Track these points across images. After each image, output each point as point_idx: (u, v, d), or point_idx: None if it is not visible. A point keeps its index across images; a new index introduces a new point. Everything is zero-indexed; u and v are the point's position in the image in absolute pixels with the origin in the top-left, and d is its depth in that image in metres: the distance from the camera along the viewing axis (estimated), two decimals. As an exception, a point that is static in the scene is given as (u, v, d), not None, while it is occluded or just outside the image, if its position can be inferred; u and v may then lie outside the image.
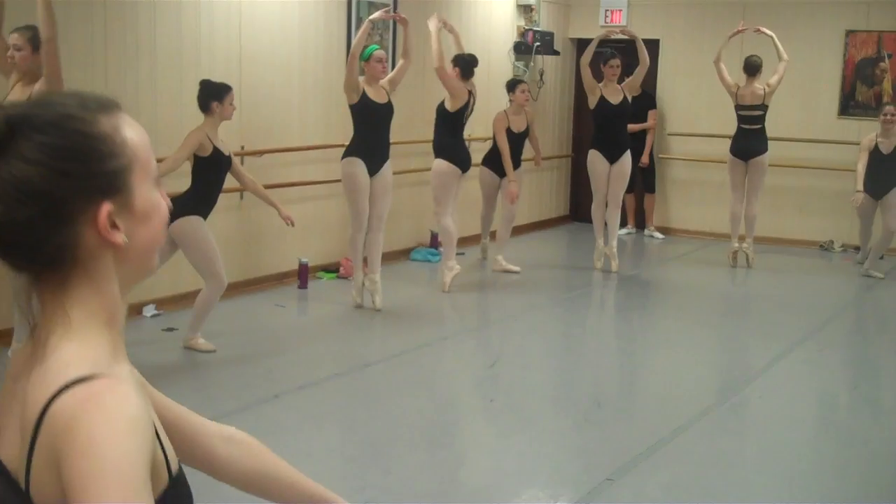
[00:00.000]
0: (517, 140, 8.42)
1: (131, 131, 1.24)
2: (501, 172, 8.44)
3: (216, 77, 6.19)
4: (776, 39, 8.82)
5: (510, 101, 8.50)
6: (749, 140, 9.00)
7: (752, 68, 8.97)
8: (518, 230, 9.85)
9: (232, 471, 1.56)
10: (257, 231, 7.66)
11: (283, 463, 1.63)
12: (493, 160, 8.54)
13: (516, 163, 8.38)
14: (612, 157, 8.71)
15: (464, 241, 9.03)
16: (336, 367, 5.93)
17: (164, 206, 1.28)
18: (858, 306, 8.44)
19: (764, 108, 8.94)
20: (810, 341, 6.89)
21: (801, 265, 9.68)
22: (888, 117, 8.69)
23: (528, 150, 8.71)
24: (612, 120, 8.68)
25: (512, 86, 8.50)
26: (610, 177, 8.74)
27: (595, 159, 8.78)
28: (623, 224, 10.48)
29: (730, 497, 4.23)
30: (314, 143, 7.98)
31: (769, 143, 9.04)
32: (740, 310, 8.28)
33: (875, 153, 8.74)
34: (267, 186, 7.57)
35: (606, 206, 8.84)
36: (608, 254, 8.86)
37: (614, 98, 8.63)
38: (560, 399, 5.70)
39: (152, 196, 1.26)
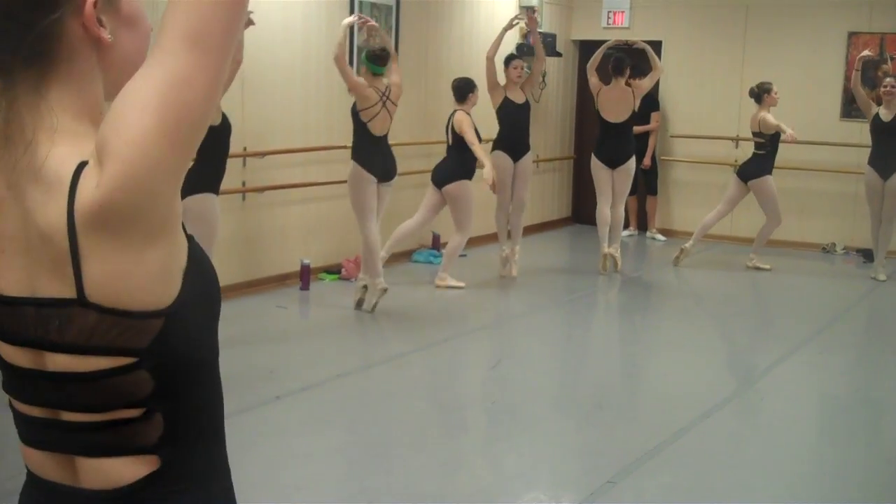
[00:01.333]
0: (519, 113, 8.39)
1: None
2: (515, 156, 8.42)
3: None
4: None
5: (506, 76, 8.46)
6: (750, 161, 9.12)
7: (751, 96, 9.01)
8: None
9: None
10: (259, 232, 7.67)
11: None
12: (504, 143, 8.44)
13: (524, 147, 8.44)
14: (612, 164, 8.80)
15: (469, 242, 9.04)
16: (338, 368, 5.93)
17: (148, 21, 1.26)
18: (861, 309, 8.43)
19: (759, 134, 8.91)
20: (812, 344, 6.88)
21: (803, 267, 9.68)
22: (888, 88, 8.71)
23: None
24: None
25: (507, 61, 8.46)
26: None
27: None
28: (625, 226, 10.48)
29: (731, 499, 4.23)
30: (317, 145, 7.98)
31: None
32: (742, 312, 8.27)
33: (875, 121, 8.77)
34: (269, 188, 7.60)
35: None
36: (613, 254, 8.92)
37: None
38: (562, 401, 5.70)
39: (138, 4, 1.25)
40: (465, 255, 8.85)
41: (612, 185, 8.78)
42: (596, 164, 8.78)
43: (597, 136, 8.89)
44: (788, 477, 4.51)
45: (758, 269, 9.31)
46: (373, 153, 6.92)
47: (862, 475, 4.63)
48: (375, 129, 6.90)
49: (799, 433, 5.23)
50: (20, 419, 1.29)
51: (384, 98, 6.90)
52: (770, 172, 8.98)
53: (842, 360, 6.68)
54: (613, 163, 8.73)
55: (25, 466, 1.32)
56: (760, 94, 8.87)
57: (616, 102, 8.64)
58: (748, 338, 7.31)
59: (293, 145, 7.82)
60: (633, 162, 8.82)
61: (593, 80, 8.66)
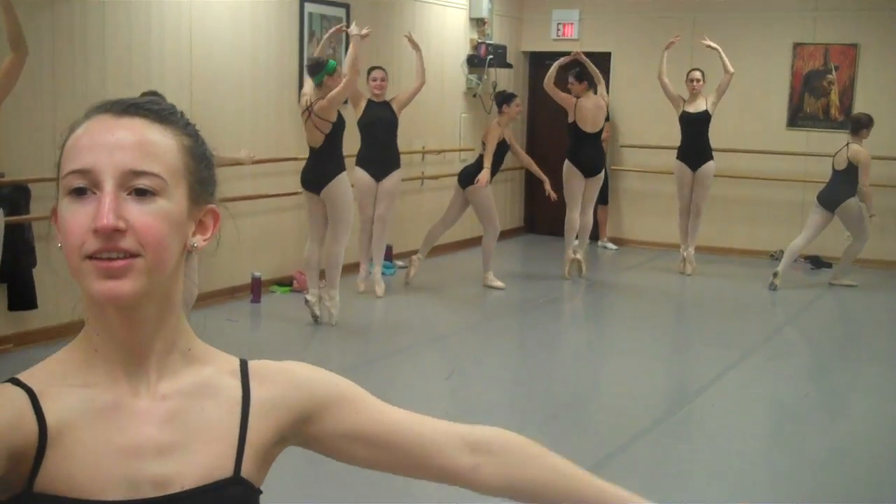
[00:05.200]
0: (502, 152, 8.53)
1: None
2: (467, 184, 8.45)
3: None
4: (722, 52, 9.02)
5: (501, 113, 8.48)
6: (697, 149, 9.26)
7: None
8: (473, 242, 9.87)
9: (485, 486, 1.38)
10: (209, 244, 7.58)
11: (561, 466, 1.41)
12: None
13: (495, 171, 8.56)
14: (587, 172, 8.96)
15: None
16: (290, 381, 5.87)
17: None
18: (808, 315, 8.54)
19: (708, 118, 9.18)
20: (761, 350, 6.97)
21: (752, 275, 9.79)
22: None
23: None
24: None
25: (509, 98, 8.52)
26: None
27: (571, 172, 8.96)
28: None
29: (683, 507, 4.26)
30: (266, 157, 7.92)
31: (715, 153, 9.32)
32: (692, 320, 8.35)
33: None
34: (220, 200, 7.51)
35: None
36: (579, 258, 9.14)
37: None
38: (515, 411, 5.70)
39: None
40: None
41: (582, 193, 8.91)
42: (572, 172, 8.87)
43: (570, 146, 8.95)
44: (739, 482, 4.55)
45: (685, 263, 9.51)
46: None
47: (811, 481, 4.68)
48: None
49: (749, 439, 5.28)
50: None
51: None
52: (713, 158, 9.34)
53: (791, 366, 6.76)
54: (592, 171, 8.87)
55: None
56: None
57: (593, 112, 8.81)
58: (698, 345, 7.38)
59: (243, 157, 7.76)
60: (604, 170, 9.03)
61: (562, 94, 8.77)
